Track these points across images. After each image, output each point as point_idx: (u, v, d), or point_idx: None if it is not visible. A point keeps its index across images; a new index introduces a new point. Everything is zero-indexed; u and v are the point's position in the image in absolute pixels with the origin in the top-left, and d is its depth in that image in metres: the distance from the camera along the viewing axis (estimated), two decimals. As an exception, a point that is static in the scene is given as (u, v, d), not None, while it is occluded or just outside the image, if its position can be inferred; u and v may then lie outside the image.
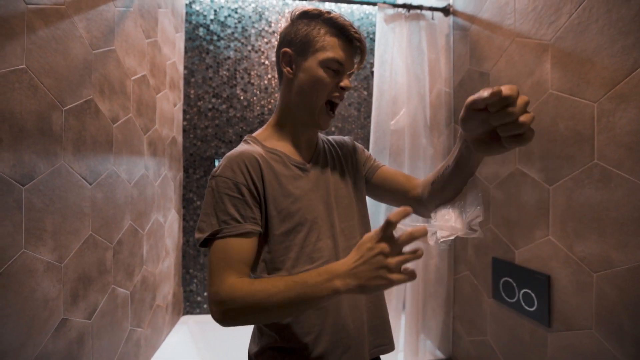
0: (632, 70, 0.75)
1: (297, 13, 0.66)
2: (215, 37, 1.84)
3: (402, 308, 1.52)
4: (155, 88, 1.44)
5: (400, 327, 1.51)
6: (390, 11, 1.51)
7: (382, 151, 1.51)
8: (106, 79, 1.02)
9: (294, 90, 0.66)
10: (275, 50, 0.70)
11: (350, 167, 0.76)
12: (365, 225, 0.75)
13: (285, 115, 0.70)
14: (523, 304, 1.05)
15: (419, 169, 1.49)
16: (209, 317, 1.81)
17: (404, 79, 1.50)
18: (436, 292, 1.54)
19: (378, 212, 1.51)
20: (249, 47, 1.87)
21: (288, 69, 0.66)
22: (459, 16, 1.46)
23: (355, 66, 0.68)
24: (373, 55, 1.97)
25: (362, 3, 1.58)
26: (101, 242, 1.01)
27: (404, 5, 1.49)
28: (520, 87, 1.09)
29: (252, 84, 1.87)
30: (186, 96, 1.83)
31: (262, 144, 0.68)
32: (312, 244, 0.63)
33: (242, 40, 1.86)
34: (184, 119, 1.82)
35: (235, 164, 0.60)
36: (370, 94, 1.97)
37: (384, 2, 1.53)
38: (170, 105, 1.62)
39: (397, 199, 0.74)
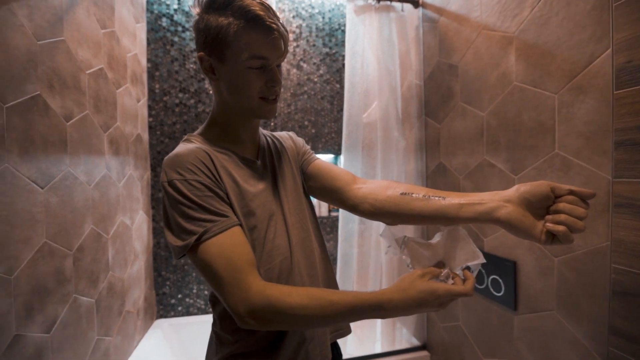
0: (589, 63, 0.78)
1: (202, 3, 0.57)
2: (180, 28, 1.75)
3: (379, 299, 1.54)
4: (115, 82, 1.35)
5: (377, 317, 1.53)
6: (360, 2, 1.49)
7: (355, 145, 1.51)
8: (56, 72, 0.94)
9: (224, 92, 0.62)
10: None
11: (293, 159, 0.75)
12: (313, 215, 0.74)
13: (223, 113, 0.65)
14: (492, 289, 1.09)
15: (392, 161, 1.51)
16: (184, 320, 1.76)
17: (375, 72, 1.50)
18: (411, 281, 1.57)
19: None
20: (217, 39, 1.79)
21: (210, 74, 0.60)
22: (428, 8, 1.46)
23: (283, 57, 0.61)
24: (345, 47, 1.95)
25: (331, -6, 1.55)
26: (58, 249, 0.94)
27: (373, -3, 1.48)
28: (486, 79, 1.11)
29: (221, 77, 1.80)
30: (151, 91, 1.73)
31: (205, 141, 0.64)
32: (270, 242, 0.62)
33: (209, 32, 1.78)
34: (150, 115, 1.73)
35: (189, 163, 0.55)
36: (342, 87, 1.96)
37: (354, -7, 1.51)
38: (133, 101, 1.53)
39: (332, 192, 0.70)
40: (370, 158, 1.52)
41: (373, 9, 1.49)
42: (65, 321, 0.96)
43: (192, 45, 1.76)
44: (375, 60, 1.49)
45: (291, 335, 0.62)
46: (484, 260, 0.52)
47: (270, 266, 0.61)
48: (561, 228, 0.46)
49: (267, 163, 0.69)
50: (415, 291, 0.48)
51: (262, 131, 0.76)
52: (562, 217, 0.46)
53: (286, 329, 0.60)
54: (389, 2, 1.50)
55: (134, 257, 1.50)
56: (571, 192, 0.48)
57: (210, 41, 0.57)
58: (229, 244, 0.53)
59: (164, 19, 1.73)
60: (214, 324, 0.68)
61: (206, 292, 1.81)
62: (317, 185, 0.73)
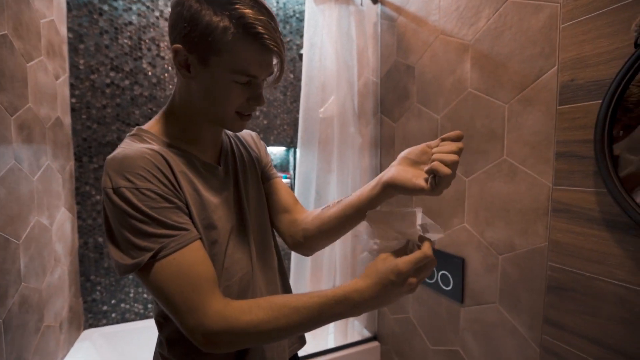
0: (537, 77, 0.84)
1: None
2: (110, -5, 1.50)
3: (332, 294, 1.56)
4: (25, 54, 1.10)
5: (330, 312, 1.55)
6: (320, -9, 1.43)
7: (311, 140, 1.47)
8: (-63, 37, 0.72)
9: (194, 93, 0.53)
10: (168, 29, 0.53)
11: (257, 165, 0.70)
12: (271, 225, 0.72)
13: (186, 111, 0.56)
14: (441, 284, 1.16)
15: (348, 158, 1.50)
16: (117, 328, 1.57)
17: (334, 65, 1.46)
18: (363, 275, 1.61)
19: (308, 192, 1.48)
20: (157, 13, 1.58)
21: (184, 71, 0.51)
22: (387, 5, 1.46)
23: (272, 74, 0.55)
24: (300, 36, 1.87)
25: (290, -22, 1.46)
26: (-52, 264, 0.74)
27: (333, -13, 1.43)
28: (442, 83, 1.15)
29: (163, 58, 1.60)
30: (73, 67, 1.47)
31: (161, 139, 0.54)
32: (229, 257, 0.56)
33: (148, 4, 1.56)
34: (72, 96, 1.47)
35: (141, 168, 0.46)
36: (296, 78, 1.89)
37: (314, -20, 1.44)
38: (50, 78, 1.28)
39: (275, 216, 0.70)
40: (326, 154, 1.50)
41: (333, 0, 1.44)
42: (-40, 351, 0.77)
43: (126, 17, 1.53)
44: (334, 54, 1.45)
45: (250, 351, 0.58)
46: (443, 234, 0.53)
47: (229, 283, 0.56)
48: (434, 163, 0.46)
49: (230, 169, 0.62)
50: (378, 273, 0.45)
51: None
52: (435, 155, 0.48)
53: (252, 346, 0.56)
54: (348, -6, 1.46)
55: (54, 262, 1.28)
56: (442, 139, 0.50)
57: (196, 39, 0.47)
58: (187, 262, 0.46)
59: (89, -18, 1.46)
60: (159, 346, 0.61)
61: (145, 296, 1.64)
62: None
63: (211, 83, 0.50)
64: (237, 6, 0.46)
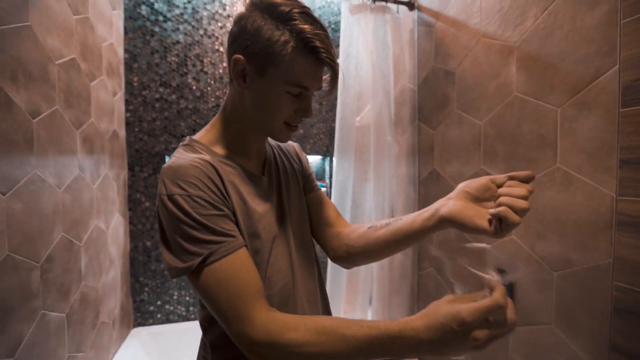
0: (594, 79, 0.77)
1: (261, 3, 0.51)
2: (161, 18, 1.63)
3: (368, 304, 1.52)
4: (89, 74, 1.23)
5: (366, 323, 1.51)
6: (356, 1, 1.44)
7: (348, 148, 1.46)
8: (20, 62, 0.83)
9: (247, 103, 0.56)
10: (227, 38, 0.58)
11: (299, 176, 0.71)
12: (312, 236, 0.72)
13: (236, 121, 0.59)
14: (486, 300, 1.09)
15: (384, 167, 1.48)
16: (162, 328, 1.66)
17: (369, 74, 1.46)
18: (401, 287, 1.56)
19: (345, 201, 1.47)
20: (201, 32, 1.69)
21: (240, 80, 0.54)
22: (424, 11, 1.44)
23: (324, 89, 0.57)
24: (336, 46, 1.90)
25: (326, -10, 1.49)
26: (22, 262, 0.83)
27: (369, -4, 1.44)
28: (485, 88, 1.10)
29: (206, 73, 1.71)
30: (128, 84, 1.61)
31: (211, 150, 0.57)
32: (271, 266, 0.57)
33: (193, 23, 1.67)
34: (127, 110, 1.61)
35: (194, 177, 0.49)
36: (333, 87, 1.90)
37: (349, -9, 1.46)
38: (109, 95, 1.41)
39: (317, 229, 0.70)
40: (363, 162, 1.49)
41: (368, 9, 1.44)
42: (31, 341, 0.86)
43: (174, 36, 1.65)
44: (370, 63, 1.45)
45: None
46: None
47: (270, 292, 0.56)
48: (502, 208, 0.43)
49: (273, 179, 0.64)
50: (439, 316, 0.39)
51: (268, 139, 0.70)
52: (502, 198, 0.45)
53: None
54: (384, 3, 1.46)
55: (109, 263, 1.39)
56: (511, 178, 0.47)
57: (257, 50, 0.50)
58: (234, 269, 0.48)
59: (143, 7, 1.60)
60: (203, 349, 0.63)
61: (188, 298, 1.72)
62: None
63: (265, 93, 0.53)
64: (297, 22, 0.49)
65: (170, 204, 0.47)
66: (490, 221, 0.46)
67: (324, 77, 0.55)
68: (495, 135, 1.06)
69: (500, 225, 0.44)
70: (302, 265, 0.63)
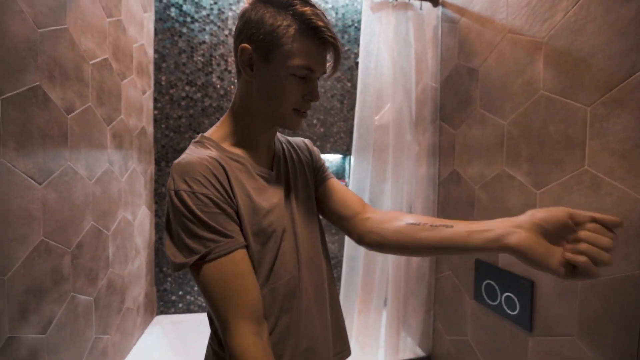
0: (629, 75, 0.72)
1: None
2: (188, 19, 1.69)
3: (383, 305, 1.50)
4: (120, 74, 1.30)
5: (381, 323, 1.50)
6: (378, -1, 1.42)
7: (366, 147, 1.45)
8: (57, 62, 0.89)
9: (254, 93, 0.57)
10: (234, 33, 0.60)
11: (309, 171, 0.71)
12: (322, 232, 0.71)
13: (245, 114, 0.60)
14: (505, 307, 1.04)
15: (403, 166, 1.45)
16: (184, 317, 1.73)
17: (390, 72, 1.43)
18: (417, 290, 1.53)
19: (363, 193, 1.46)
20: (226, 32, 1.74)
21: (247, 69, 0.56)
22: (448, 7, 1.40)
23: (328, 70, 0.58)
24: (358, 45, 1.88)
25: (348, -12, 1.48)
26: (56, 247, 0.90)
27: (391, -7, 1.41)
28: (510, 86, 1.05)
29: (230, 72, 1.75)
30: (157, 83, 1.68)
31: (220, 146, 0.59)
32: (279, 259, 0.58)
33: (219, 24, 1.73)
34: (155, 108, 1.69)
35: (200, 174, 0.50)
36: (353, 86, 1.89)
37: (371, -11, 1.44)
38: (138, 93, 1.49)
39: (338, 215, 0.68)
40: (381, 162, 1.47)
41: (390, 7, 1.42)
42: (61, 321, 0.92)
43: (201, 37, 1.71)
44: (390, 61, 1.43)
45: (298, 354, 0.59)
46: None
47: (275, 285, 0.58)
48: (582, 259, 0.41)
49: (282, 174, 0.64)
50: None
51: (279, 135, 0.72)
52: (584, 246, 0.41)
53: None
54: (407, 0, 1.43)
55: (135, 253, 1.47)
56: (594, 220, 0.43)
57: (261, 37, 0.53)
58: (230, 271, 0.50)
59: (172, 9, 1.67)
60: (211, 338, 0.65)
61: (207, 290, 1.78)
62: (325, 206, 0.70)
63: (271, 79, 0.54)
64: (297, 6, 0.52)
65: (176, 199, 0.50)
66: (563, 264, 0.43)
67: (327, 63, 0.57)
68: (520, 136, 1.01)
69: (574, 271, 0.43)
70: (309, 260, 0.63)
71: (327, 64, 0.58)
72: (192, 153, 0.55)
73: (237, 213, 0.54)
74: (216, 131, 0.62)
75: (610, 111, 0.76)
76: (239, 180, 0.56)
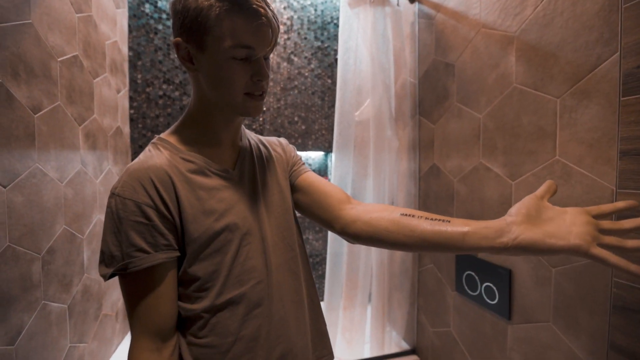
0: (595, 67, 0.74)
1: None
2: (164, 16, 1.65)
3: (367, 300, 1.51)
4: (92, 71, 1.26)
5: (366, 318, 1.50)
6: (355, -5, 1.43)
7: (347, 144, 1.45)
8: (21, 59, 0.85)
9: (204, 85, 0.54)
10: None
11: (281, 170, 0.67)
12: (300, 234, 0.67)
13: (202, 110, 0.57)
14: (485, 297, 1.06)
15: (384, 162, 1.46)
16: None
17: (369, 68, 1.44)
18: (401, 284, 1.54)
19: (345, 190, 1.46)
20: (204, 28, 1.70)
21: (188, 64, 0.53)
22: (425, 3, 1.41)
23: (271, 49, 0.53)
24: (337, 41, 1.88)
25: (325, -15, 1.48)
26: (24, 253, 0.86)
27: (369, -11, 1.42)
28: (484, 80, 1.07)
29: (208, 69, 1.72)
30: (132, 81, 1.63)
31: (176, 147, 0.55)
32: (240, 265, 0.54)
33: (196, 20, 1.69)
34: (131, 107, 1.64)
35: (136, 181, 0.48)
36: (334, 83, 1.90)
37: (349, -15, 1.44)
38: (112, 92, 1.44)
39: (321, 210, 0.62)
40: (362, 157, 1.47)
41: (368, 3, 1.43)
42: (32, 330, 0.88)
43: (178, 34, 1.67)
44: (369, 57, 1.43)
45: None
46: None
47: (237, 293, 0.53)
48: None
49: (246, 171, 0.61)
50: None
51: (250, 134, 0.68)
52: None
53: None
54: (385, -4, 1.44)
55: (112, 257, 1.42)
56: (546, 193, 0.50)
57: (189, 25, 0.49)
58: (145, 285, 0.49)
59: (147, 5, 1.63)
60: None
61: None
62: (304, 199, 0.65)
63: (213, 66, 0.51)
64: None
65: (110, 201, 0.49)
66: (580, 236, 0.43)
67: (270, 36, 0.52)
68: (495, 128, 1.03)
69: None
70: (281, 263, 0.60)
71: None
72: (145, 159, 0.52)
73: (180, 217, 0.51)
74: (174, 132, 0.58)
75: (578, 102, 0.78)
76: (188, 181, 0.53)
